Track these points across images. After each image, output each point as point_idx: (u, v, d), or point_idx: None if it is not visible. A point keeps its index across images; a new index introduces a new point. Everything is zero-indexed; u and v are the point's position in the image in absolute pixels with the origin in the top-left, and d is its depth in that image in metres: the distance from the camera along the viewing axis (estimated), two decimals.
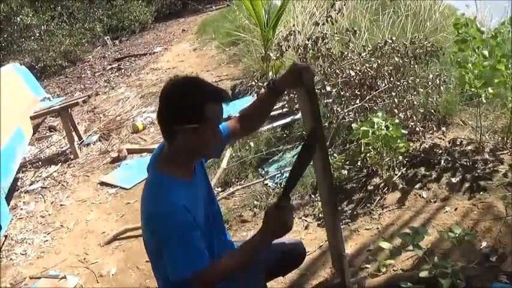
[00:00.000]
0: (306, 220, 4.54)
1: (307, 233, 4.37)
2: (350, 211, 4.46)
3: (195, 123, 2.44)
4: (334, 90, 5.44)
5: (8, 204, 5.93)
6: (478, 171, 4.39)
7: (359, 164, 4.83)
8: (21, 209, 6.26)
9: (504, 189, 4.10)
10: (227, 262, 2.58)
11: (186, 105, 2.43)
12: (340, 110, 5.25)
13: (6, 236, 5.56)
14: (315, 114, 2.87)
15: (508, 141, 4.63)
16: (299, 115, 5.96)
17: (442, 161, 4.61)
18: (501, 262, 3.48)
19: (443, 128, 5.09)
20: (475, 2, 6.49)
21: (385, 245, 3.52)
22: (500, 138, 4.74)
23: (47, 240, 5.43)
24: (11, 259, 5.22)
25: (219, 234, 2.93)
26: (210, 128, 2.54)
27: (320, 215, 4.46)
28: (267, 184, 5.20)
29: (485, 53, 4.23)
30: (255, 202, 4.95)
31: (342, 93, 5.41)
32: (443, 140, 4.96)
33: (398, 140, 4.34)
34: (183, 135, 2.46)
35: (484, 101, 4.63)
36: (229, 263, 2.58)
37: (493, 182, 4.21)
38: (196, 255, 2.45)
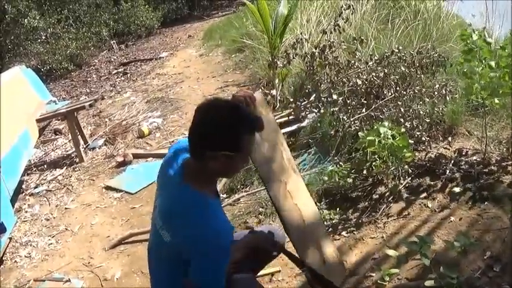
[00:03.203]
0: None
1: None
2: (355, 219, 4.46)
3: (230, 152, 2.49)
4: (340, 98, 5.46)
5: (13, 207, 5.93)
6: (483, 181, 4.40)
7: (365, 172, 4.82)
8: (26, 211, 6.25)
9: (508, 200, 4.11)
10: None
11: (226, 135, 2.47)
12: (346, 119, 5.28)
13: (10, 239, 5.56)
14: None
15: None
16: (305, 123, 5.97)
17: (447, 171, 4.62)
18: (505, 272, 3.49)
19: (449, 138, 5.10)
20: (484, 11, 6.51)
21: (391, 252, 3.54)
22: (505, 149, 4.75)
23: (51, 243, 5.43)
24: (15, 261, 5.22)
25: None
26: (243, 156, 2.63)
27: (327, 223, 4.45)
28: None
29: (492, 63, 4.24)
30: (260, 209, 4.95)
31: (348, 101, 5.43)
32: (449, 150, 4.97)
33: (404, 150, 4.35)
34: (215, 160, 2.51)
35: (490, 111, 4.65)
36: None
37: (498, 193, 4.22)
38: (221, 282, 2.59)
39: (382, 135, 4.34)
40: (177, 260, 2.65)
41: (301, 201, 3.26)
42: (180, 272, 2.67)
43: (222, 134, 2.46)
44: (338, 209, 4.57)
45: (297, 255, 3.13)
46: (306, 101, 6.00)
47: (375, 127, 4.47)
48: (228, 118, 2.48)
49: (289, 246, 3.20)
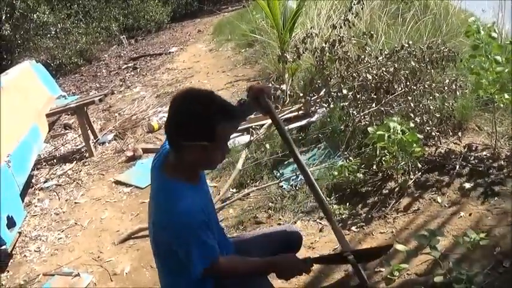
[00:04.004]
0: (320, 223, 4.53)
1: (322, 236, 4.36)
2: (365, 214, 4.45)
3: (205, 142, 2.49)
4: (350, 93, 5.45)
5: (23, 201, 5.96)
6: (493, 177, 4.38)
7: (374, 167, 4.80)
8: (36, 206, 6.28)
9: None
10: (239, 265, 2.79)
11: (198, 123, 2.47)
12: (356, 113, 5.27)
13: (20, 233, 5.58)
14: (283, 136, 3.26)
15: None
16: (315, 118, 5.96)
17: (457, 166, 4.59)
18: None
19: (459, 133, 5.08)
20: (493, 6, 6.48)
21: (400, 247, 3.52)
22: None
23: (61, 238, 5.45)
24: (24, 256, 5.25)
25: (219, 234, 2.98)
26: (219, 147, 2.60)
27: (337, 218, 4.45)
28: (281, 186, 5.18)
29: (498, 58, 4.21)
30: (270, 204, 4.94)
31: (358, 96, 5.41)
32: (459, 145, 4.95)
33: (414, 145, 4.33)
34: (191, 150, 2.52)
35: (501, 106, 4.63)
36: (241, 267, 2.79)
37: (508, 188, 4.20)
38: (211, 250, 2.58)
39: (392, 130, 4.33)
40: (165, 251, 2.68)
41: None
42: (175, 262, 2.67)
43: (196, 124, 2.46)
44: (348, 203, 4.56)
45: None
46: (316, 96, 5.99)
47: (385, 122, 4.46)
48: (202, 107, 2.47)
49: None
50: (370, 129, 4.54)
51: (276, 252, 2.96)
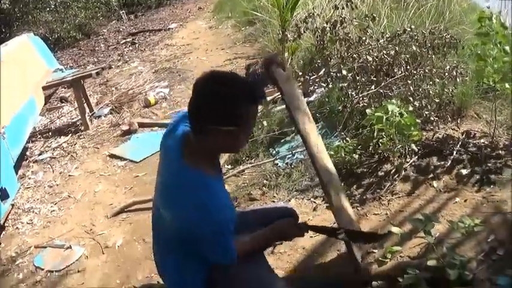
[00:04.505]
0: (314, 202, 4.52)
1: (316, 215, 4.35)
2: (359, 195, 4.44)
3: (231, 126, 2.42)
4: (349, 74, 5.41)
5: (16, 173, 5.94)
6: (490, 164, 4.37)
7: (371, 149, 4.79)
8: (29, 178, 6.26)
9: None
10: (248, 247, 2.82)
11: (225, 108, 2.39)
12: (355, 95, 5.24)
13: (13, 205, 5.55)
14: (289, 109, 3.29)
15: None
16: (313, 97, 5.94)
17: (455, 152, 4.57)
18: (508, 256, 3.46)
19: (458, 120, 5.06)
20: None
21: (395, 230, 3.52)
22: None
23: (53, 210, 5.43)
24: (17, 228, 5.22)
25: None
26: (245, 131, 2.56)
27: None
28: (277, 164, 5.17)
29: (507, 48, 4.18)
30: (265, 181, 4.93)
31: (357, 78, 5.38)
32: (457, 131, 4.93)
33: (412, 128, 4.32)
34: (216, 135, 2.44)
35: (500, 95, 4.61)
36: (250, 248, 2.83)
37: (504, 177, 4.19)
38: (230, 250, 2.62)
39: (390, 112, 4.31)
40: (181, 239, 2.64)
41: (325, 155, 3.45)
42: (185, 249, 2.68)
43: (222, 109, 2.39)
44: (343, 184, 4.53)
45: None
46: (315, 76, 5.95)
47: (383, 104, 4.43)
48: (228, 91, 2.40)
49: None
50: (368, 110, 4.52)
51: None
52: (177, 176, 2.57)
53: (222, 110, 2.39)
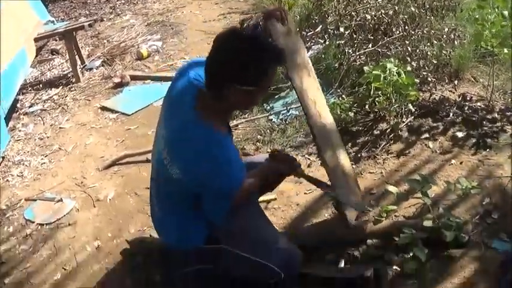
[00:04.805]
0: (309, 158, 4.53)
1: (310, 171, 4.32)
2: (354, 153, 4.43)
3: (252, 86, 2.38)
4: (347, 32, 5.37)
5: (7, 126, 5.87)
6: (486, 128, 4.38)
7: (367, 107, 4.77)
8: (20, 130, 6.17)
9: (510, 149, 4.11)
10: (244, 194, 2.75)
11: (248, 69, 2.33)
12: (351, 52, 5.22)
13: (3, 158, 5.49)
14: None
15: None
16: (309, 54, 5.82)
17: (451, 114, 4.58)
18: (503, 220, 3.49)
19: (455, 82, 5.04)
20: None
21: (392, 189, 3.52)
22: (510, 99, 4.71)
23: (44, 163, 5.36)
24: (7, 180, 5.17)
25: None
26: (263, 91, 2.52)
27: None
28: (271, 120, 5.15)
29: (505, 13, 4.17)
30: (259, 136, 4.92)
31: (354, 36, 5.35)
32: (454, 93, 4.92)
33: (410, 88, 4.31)
34: (233, 93, 2.39)
35: (498, 60, 4.60)
36: (245, 194, 2.76)
37: (500, 141, 4.21)
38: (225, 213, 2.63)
39: (388, 71, 4.26)
40: (187, 195, 2.64)
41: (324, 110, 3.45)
42: (189, 205, 2.69)
43: (244, 68, 2.32)
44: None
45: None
46: (312, 32, 5.86)
47: (382, 63, 4.40)
48: (252, 51, 2.33)
49: None
50: (366, 68, 4.51)
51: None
52: (188, 130, 2.52)
53: (245, 69, 2.33)
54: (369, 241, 3.40)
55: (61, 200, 4.67)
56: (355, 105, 4.79)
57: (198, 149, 2.45)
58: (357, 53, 5.20)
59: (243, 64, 2.32)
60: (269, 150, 4.60)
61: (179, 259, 3.06)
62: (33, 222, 4.49)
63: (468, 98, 4.78)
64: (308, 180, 3.21)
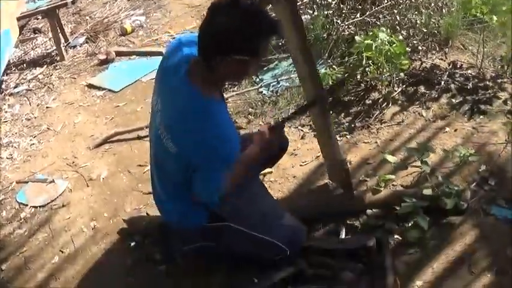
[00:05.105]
0: (302, 130, 4.50)
1: (304, 143, 4.33)
2: (348, 124, 4.43)
3: (246, 56, 2.33)
4: (334, 1, 5.32)
5: None
6: (479, 95, 4.40)
7: (358, 77, 4.74)
8: (6, 112, 6.08)
9: (504, 116, 4.15)
10: (238, 172, 2.70)
11: (244, 38, 2.30)
12: (340, 23, 5.17)
13: None
14: None
15: (508, 70, 4.62)
16: None
17: (443, 82, 4.59)
18: (500, 186, 3.53)
19: (446, 49, 5.04)
20: None
21: (390, 158, 3.52)
22: (500, 66, 4.73)
23: (33, 144, 5.29)
24: None
25: None
26: (257, 62, 2.50)
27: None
28: (261, 92, 5.10)
29: None
30: (250, 109, 4.88)
31: (342, 6, 5.34)
32: (444, 61, 4.92)
33: (402, 57, 4.30)
34: (228, 63, 2.34)
35: (486, 28, 4.66)
36: (240, 174, 2.73)
37: (493, 108, 4.25)
38: (222, 179, 2.56)
39: (380, 40, 4.25)
40: (185, 171, 2.60)
41: None
42: (189, 184, 2.63)
43: (240, 38, 2.29)
44: (330, 112, 4.48)
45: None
46: (300, 2, 5.81)
47: (372, 32, 4.39)
48: (248, 20, 2.30)
49: None
50: (357, 38, 4.49)
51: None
52: (182, 101, 2.50)
53: (241, 38, 2.29)
54: (368, 211, 3.42)
55: (53, 181, 4.61)
56: (346, 75, 4.76)
57: (190, 116, 2.45)
58: (346, 23, 5.17)
59: (240, 34, 2.29)
60: (261, 123, 4.60)
61: (182, 237, 3.05)
62: (26, 205, 4.43)
63: (459, 66, 4.80)
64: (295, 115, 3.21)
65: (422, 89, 4.60)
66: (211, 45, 2.35)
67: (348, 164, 3.66)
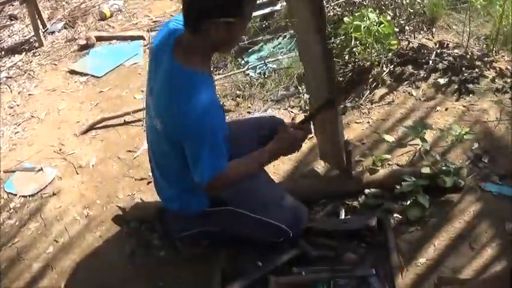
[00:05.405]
0: (291, 111, 4.49)
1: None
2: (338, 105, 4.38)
3: (231, 18, 2.26)
4: None
5: None
6: (466, 74, 4.41)
7: (346, 58, 4.75)
8: None
9: (493, 94, 4.19)
10: (240, 170, 2.64)
11: None
12: (325, 3, 5.11)
13: None
14: None
15: (494, 48, 4.65)
16: (278, 6, 5.77)
17: (430, 62, 4.60)
18: (493, 164, 3.59)
19: (433, 29, 5.06)
20: None
21: (387, 137, 3.53)
22: (485, 45, 4.76)
23: (18, 132, 5.21)
24: None
25: None
26: (244, 24, 2.43)
27: (306, 107, 4.42)
28: (248, 74, 5.07)
29: None
30: (238, 92, 4.85)
31: None
32: (431, 41, 4.93)
33: (390, 37, 4.31)
34: (214, 29, 2.29)
35: (470, 7, 4.64)
36: (242, 171, 2.65)
37: (481, 87, 4.27)
38: (220, 159, 2.46)
39: (369, 21, 4.25)
40: (181, 153, 2.53)
41: None
42: (184, 166, 2.57)
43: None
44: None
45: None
46: None
47: (360, 13, 4.39)
48: None
49: None
50: (346, 19, 4.48)
51: (263, 135, 2.97)
52: (168, 79, 2.46)
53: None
54: (367, 191, 3.43)
55: (41, 169, 4.55)
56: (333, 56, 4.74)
57: (172, 90, 2.43)
58: (332, 4, 5.18)
59: None
60: (250, 106, 4.58)
61: (182, 222, 3.03)
62: (15, 194, 4.38)
63: (445, 45, 4.81)
64: (314, 115, 3.06)
65: (410, 68, 4.60)
66: (193, 10, 2.29)
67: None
